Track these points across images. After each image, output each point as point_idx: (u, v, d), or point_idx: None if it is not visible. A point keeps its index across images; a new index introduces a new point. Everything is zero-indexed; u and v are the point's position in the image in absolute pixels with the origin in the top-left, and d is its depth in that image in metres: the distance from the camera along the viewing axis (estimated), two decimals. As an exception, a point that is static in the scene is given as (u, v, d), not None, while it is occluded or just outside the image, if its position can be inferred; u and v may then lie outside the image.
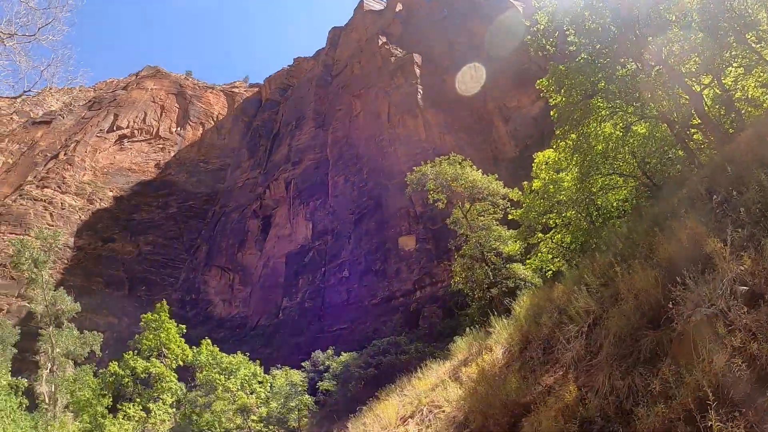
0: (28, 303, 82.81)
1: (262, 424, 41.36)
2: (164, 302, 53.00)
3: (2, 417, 42.05)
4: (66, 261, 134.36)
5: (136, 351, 48.65)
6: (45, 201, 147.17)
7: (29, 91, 27.27)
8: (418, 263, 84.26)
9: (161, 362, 47.42)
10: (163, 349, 48.81)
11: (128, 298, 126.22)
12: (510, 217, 33.88)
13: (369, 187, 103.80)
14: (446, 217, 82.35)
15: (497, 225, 36.32)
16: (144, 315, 51.65)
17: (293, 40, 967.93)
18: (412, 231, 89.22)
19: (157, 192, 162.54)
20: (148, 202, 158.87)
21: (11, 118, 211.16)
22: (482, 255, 34.76)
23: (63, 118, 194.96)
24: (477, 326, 25.74)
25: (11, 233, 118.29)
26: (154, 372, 45.97)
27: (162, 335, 49.04)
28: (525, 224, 31.19)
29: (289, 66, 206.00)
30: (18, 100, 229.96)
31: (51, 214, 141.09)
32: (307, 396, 42.91)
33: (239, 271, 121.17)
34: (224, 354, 50.56)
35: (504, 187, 36.55)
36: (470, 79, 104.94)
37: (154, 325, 49.72)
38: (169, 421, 46.66)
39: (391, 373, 35.88)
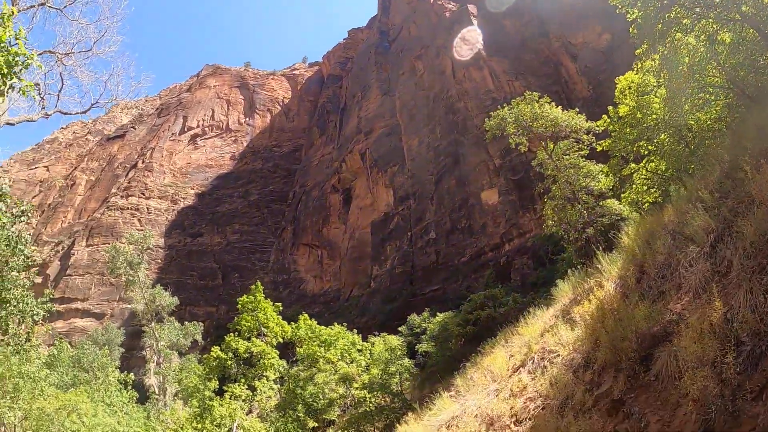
0: (129, 304, 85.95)
1: (365, 391, 41.20)
2: (258, 283, 53.48)
3: (116, 411, 43.69)
4: (159, 261, 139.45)
5: (236, 333, 49.43)
6: (131, 208, 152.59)
7: (96, 103, 27.48)
8: (503, 216, 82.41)
9: (262, 341, 48.04)
10: (262, 329, 49.42)
11: (223, 286, 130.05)
12: (598, 149, 31.98)
13: (444, 145, 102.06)
14: (527, 167, 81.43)
15: (584, 161, 34.48)
16: (240, 298, 52.34)
17: (344, 13, 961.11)
18: (493, 184, 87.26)
19: (237, 182, 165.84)
20: (229, 194, 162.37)
21: (86, 139, 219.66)
22: (573, 194, 33.02)
23: (135, 129, 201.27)
24: (577, 268, 24.46)
25: (104, 243, 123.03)
26: (255, 351, 46.63)
27: (260, 315, 49.62)
28: (615, 154, 29.32)
29: (344, 39, 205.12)
30: (90, 121, 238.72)
31: (139, 220, 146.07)
32: (406, 360, 42.41)
33: (326, 246, 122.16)
34: (322, 326, 50.77)
35: (587, 121, 34.51)
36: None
37: (250, 306, 50.35)
38: (274, 396, 47.39)
39: (490, 328, 34.96)
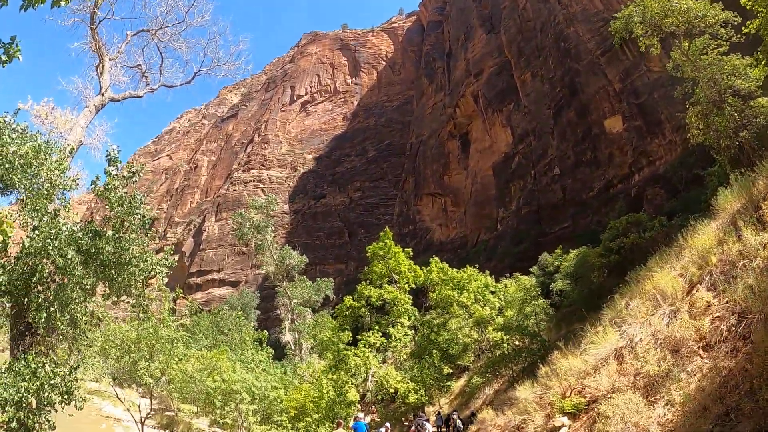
0: (261, 269, 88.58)
1: (500, 334, 39.46)
2: (387, 229, 52.59)
3: (252, 368, 44.57)
4: (286, 226, 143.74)
5: (368, 281, 48.91)
6: (254, 180, 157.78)
7: (199, 72, 27.42)
8: (630, 144, 76.95)
9: (394, 287, 47.23)
10: (394, 275, 48.53)
11: (350, 243, 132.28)
12: (744, 30, 27.79)
13: (559, 76, 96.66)
14: (650, 89, 75.47)
15: (727, 57, 30.26)
16: (369, 246, 51.62)
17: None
18: (615, 111, 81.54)
19: (352, 142, 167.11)
20: (346, 153, 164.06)
21: (202, 123, 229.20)
22: (719, 95, 29.06)
23: (246, 106, 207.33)
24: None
25: (233, 219, 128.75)
26: (388, 298, 45.99)
27: (391, 261, 48.75)
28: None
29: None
30: (202, 106, 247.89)
31: (262, 190, 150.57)
32: (541, 300, 40.17)
33: (449, 193, 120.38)
34: (454, 269, 49.29)
35: (722, 11, 30.11)
36: None
37: (381, 253, 49.59)
38: (409, 343, 46.65)
39: (635, 257, 32.04)
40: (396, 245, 50.96)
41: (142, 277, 16.75)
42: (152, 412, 67.40)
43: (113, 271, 16.20)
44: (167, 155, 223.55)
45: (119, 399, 33.84)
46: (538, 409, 12.97)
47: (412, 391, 39.38)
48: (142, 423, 32.28)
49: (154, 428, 58.48)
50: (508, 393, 27.45)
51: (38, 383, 14.05)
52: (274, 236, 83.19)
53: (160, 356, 30.54)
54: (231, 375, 39.29)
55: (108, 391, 37.00)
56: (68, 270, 15.01)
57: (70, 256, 14.74)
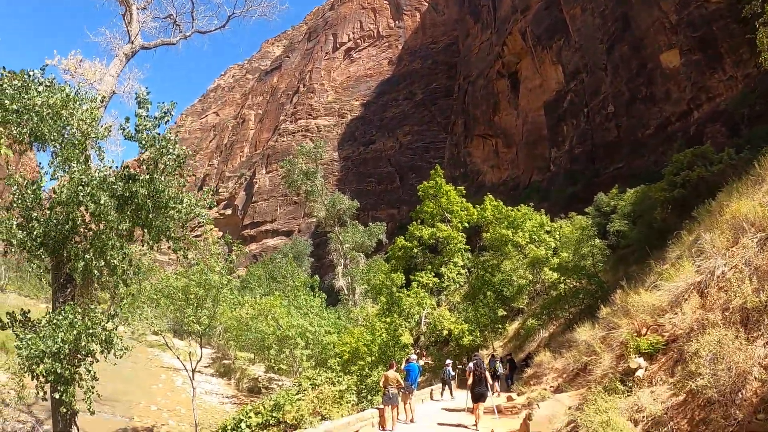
0: (313, 217, 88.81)
1: (556, 275, 38.20)
2: (438, 167, 51.05)
3: (305, 313, 44.57)
4: (336, 173, 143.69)
5: (419, 221, 47.87)
6: (302, 130, 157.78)
7: (233, 15, 26.33)
8: (688, 79, 72.90)
9: (446, 226, 46.09)
10: (446, 214, 47.29)
11: (401, 188, 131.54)
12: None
13: (610, 8, 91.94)
14: (708, 19, 70.97)
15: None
16: (420, 186, 50.36)
17: None
18: (672, 44, 77.03)
19: (399, 86, 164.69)
20: (394, 98, 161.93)
21: (246, 78, 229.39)
22: (795, 10, 26.60)
23: (289, 58, 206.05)
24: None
25: (282, 167, 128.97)
26: (441, 236, 44.86)
27: (442, 200, 47.40)
28: None
29: None
30: (245, 61, 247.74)
31: (311, 139, 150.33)
32: (597, 240, 38.61)
33: (499, 134, 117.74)
34: (508, 207, 47.95)
35: None
36: None
37: (432, 192, 48.27)
38: (463, 283, 45.81)
39: (699, 193, 30.11)
40: (447, 184, 49.49)
41: (180, 220, 16.35)
42: (211, 361, 69.28)
43: (150, 215, 15.73)
44: (214, 112, 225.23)
45: (170, 348, 33.92)
46: (605, 350, 11.88)
47: (466, 333, 38.67)
48: (194, 371, 32.44)
49: (212, 376, 59.83)
50: (565, 335, 26.52)
51: (74, 333, 13.78)
52: (325, 184, 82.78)
53: (208, 303, 30.28)
54: (285, 320, 39.29)
55: (168, 343, 37.33)
56: (102, 216, 14.58)
57: (102, 202, 14.27)
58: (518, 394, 23.20)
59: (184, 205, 16.07)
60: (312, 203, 75.87)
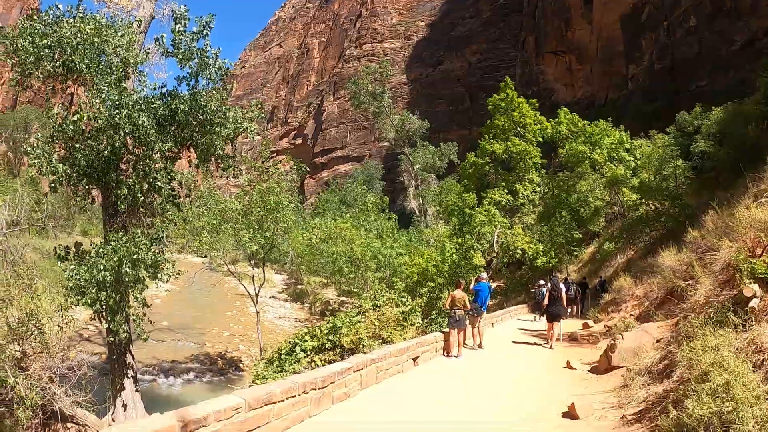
0: (383, 141, 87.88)
1: (636, 196, 35.96)
2: (507, 79, 48.32)
3: (377, 235, 44.14)
4: (405, 96, 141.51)
5: (490, 136, 45.73)
6: (367, 55, 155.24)
7: None
8: (778, -10, 66.51)
9: (520, 141, 43.88)
10: (518, 129, 44.88)
11: (471, 108, 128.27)
12: None
13: None
14: None
15: None
16: (489, 99, 48.01)
17: None
18: (760, -51, 70.17)
19: (465, 3, 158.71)
20: (460, 16, 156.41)
21: (306, 8, 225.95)
22: None
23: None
24: None
25: (349, 93, 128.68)
26: (514, 151, 42.66)
27: (514, 114, 44.82)
28: None
29: None
30: None
31: (377, 64, 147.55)
32: (680, 161, 35.92)
33: (573, 50, 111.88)
34: (586, 121, 45.31)
35: None
36: None
37: (503, 105, 45.74)
38: (538, 201, 43.91)
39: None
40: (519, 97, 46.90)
41: (228, 136, 15.57)
42: (284, 287, 70.58)
43: (195, 133, 15.14)
44: (277, 44, 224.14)
45: (231, 272, 33.86)
46: (702, 274, 10.28)
47: (541, 254, 37.10)
48: (257, 295, 32.43)
49: (286, 301, 61.04)
50: (646, 260, 24.89)
51: (116, 259, 13.38)
52: (394, 107, 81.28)
53: (269, 224, 29.69)
54: (356, 242, 38.88)
55: (240, 271, 37.56)
56: (142, 138, 13.95)
57: (141, 122, 13.56)
58: (595, 322, 21.90)
59: (230, 119, 15.26)
60: (381, 125, 74.98)
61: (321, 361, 15.59)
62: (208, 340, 38.57)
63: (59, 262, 14.66)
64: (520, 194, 41.17)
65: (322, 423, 8.14)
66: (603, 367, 11.82)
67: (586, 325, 21.30)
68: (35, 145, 14.09)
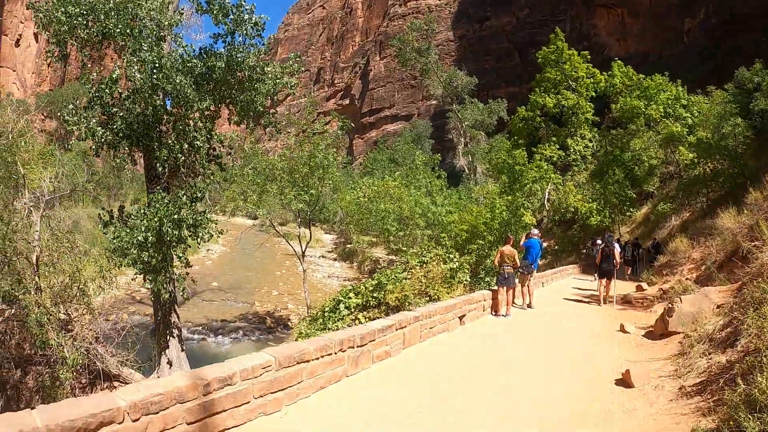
0: (431, 99, 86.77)
1: (692, 155, 34.59)
2: (558, 30, 46.80)
3: (426, 193, 43.72)
4: (453, 53, 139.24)
5: (541, 90, 44.51)
6: (412, 12, 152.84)
7: None
8: None
9: (571, 94, 42.59)
10: (570, 82, 43.57)
11: (520, 65, 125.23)
12: None
13: None
14: None
15: None
16: (539, 52, 46.63)
17: None
18: None
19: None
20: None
21: None
22: None
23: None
24: None
25: (395, 51, 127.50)
26: (566, 105, 41.48)
27: (565, 66, 43.53)
28: None
29: None
30: None
31: (423, 20, 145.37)
32: (739, 119, 34.35)
33: (625, 3, 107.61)
34: (640, 74, 43.57)
35: None
36: None
37: (553, 57, 44.48)
38: (590, 157, 42.70)
39: None
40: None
41: (267, 92, 15.35)
42: (334, 246, 71.13)
43: (233, 90, 14.99)
44: (320, 6, 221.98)
45: (276, 230, 33.88)
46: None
47: (594, 212, 36.14)
48: (303, 254, 32.30)
49: (335, 260, 61.55)
50: (703, 222, 23.88)
51: (156, 219, 13.43)
52: (441, 65, 80.00)
53: (314, 181, 29.50)
54: (404, 200, 38.62)
55: (289, 232, 37.78)
56: (179, 97, 13.90)
57: (178, 81, 13.44)
58: (648, 284, 21.13)
59: (269, 75, 15.04)
60: (428, 82, 74.23)
61: (365, 318, 15.34)
62: (257, 300, 39.15)
63: (103, 227, 14.81)
64: (572, 150, 40.15)
65: (360, 382, 7.82)
66: (659, 332, 11.21)
67: (639, 288, 20.53)
68: (74, 111, 14.11)
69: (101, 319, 14.03)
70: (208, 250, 56.91)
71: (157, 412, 4.92)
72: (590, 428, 6.31)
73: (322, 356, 7.16)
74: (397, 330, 9.54)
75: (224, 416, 5.63)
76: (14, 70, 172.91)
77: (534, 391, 7.94)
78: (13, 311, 12.89)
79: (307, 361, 6.82)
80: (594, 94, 43.13)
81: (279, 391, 6.34)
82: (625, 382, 7.99)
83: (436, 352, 10.15)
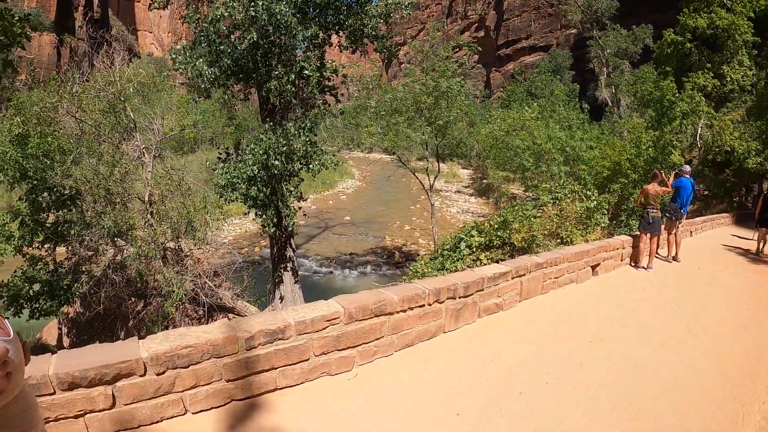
0: (571, 29, 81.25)
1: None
2: None
3: (565, 126, 41.36)
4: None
5: (691, 9, 39.86)
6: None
7: None
8: None
9: (727, 13, 37.79)
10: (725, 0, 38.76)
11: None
12: None
13: None
14: None
15: None
16: None
17: None
18: None
19: None
20: None
21: None
22: None
23: None
24: None
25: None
26: (720, 26, 36.50)
27: None
28: None
29: None
30: None
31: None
32: None
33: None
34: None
35: None
36: None
37: None
38: (749, 87, 38.07)
39: None
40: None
41: (379, 15, 14.58)
42: (470, 181, 70.07)
43: (341, 16, 14.25)
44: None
45: (405, 166, 33.06)
46: None
47: (753, 153, 32.19)
48: (431, 188, 31.64)
49: (471, 195, 60.67)
50: None
51: (262, 152, 13.16)
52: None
53: (440, 112, 28.31)
54: (541, 133, 36.77)
55: (424, 165, 37.19)
56: (281, 27, 13.34)
57: (278, 11, 12.82)
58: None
59: None
60: (566, 7, 69.91)
61: (487, 259, 13.67)
62: (388, 234, 39.21)
63: (219, 165, 14.72)
64: (729, 78, 35.76)
65: (458, 342, 6.60)
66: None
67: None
68: (181, 50, 14.09)
69: (215, 256, 14.09)
70: (344, 185, 57.55)
71: (187, 366, 4.36)
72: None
73: (411, 308, 6.11)
74: (513, 279, 8.14)
75: (274, 375, 4.94)
76: (150, 32, 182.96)
77: (671, 375, 6.13)
78: (131, 248, 13.16)
79: (390, 314, 5.82)
80: (753, 14, 37.91)
81: (348, 348, 5.48)
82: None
83: (557, 308, 8.58)
